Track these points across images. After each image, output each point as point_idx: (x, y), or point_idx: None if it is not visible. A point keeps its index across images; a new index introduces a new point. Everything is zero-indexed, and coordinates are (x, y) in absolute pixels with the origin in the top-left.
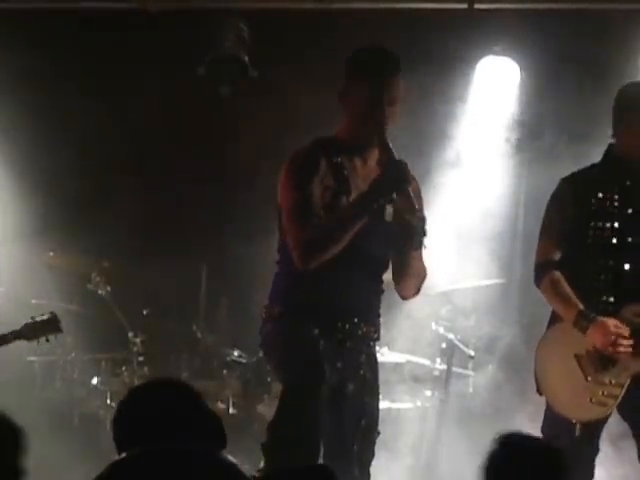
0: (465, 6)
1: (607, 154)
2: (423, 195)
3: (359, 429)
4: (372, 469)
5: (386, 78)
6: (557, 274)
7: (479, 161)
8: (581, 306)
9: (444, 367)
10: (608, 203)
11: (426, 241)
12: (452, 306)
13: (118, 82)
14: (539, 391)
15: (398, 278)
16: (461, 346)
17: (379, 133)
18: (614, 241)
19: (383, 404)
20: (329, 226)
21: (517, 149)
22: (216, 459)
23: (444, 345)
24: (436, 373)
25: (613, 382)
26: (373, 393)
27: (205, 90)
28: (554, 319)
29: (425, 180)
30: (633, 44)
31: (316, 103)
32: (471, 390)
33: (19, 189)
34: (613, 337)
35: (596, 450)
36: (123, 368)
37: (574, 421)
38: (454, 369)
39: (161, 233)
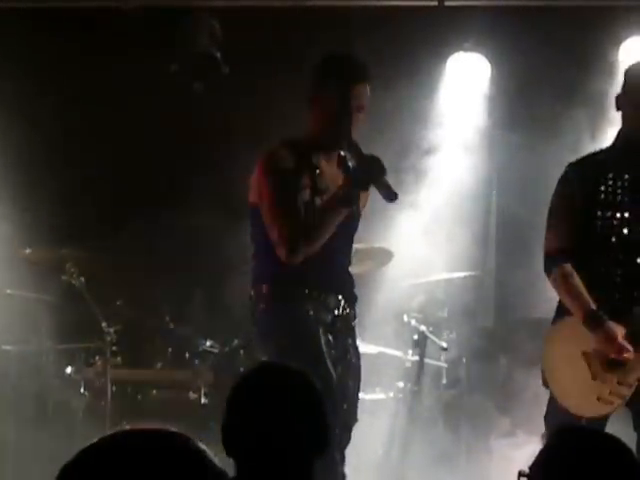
0: (435, 3)
1: (617, 139)
2: (397, 190)
3: (341, 413)
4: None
5: (355, 86)
6: (569, 267)
7: (450, 156)
8: (593, 305)
9: (416, 359)
10: (619, 190)
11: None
12: (424, 298)
13: (88, 79)
14: (545, 384)
15: None
16: (433, 338)
17: (347, 137)
18: (625, 232)
19: None
20: (313, 223)
21: (488, 144)
22: (184, 443)
23: (416, 337)
24: (408, 365)
25: (621, 382)
26: (356, 378)
27: (178, 87)
28: (563, 312)
29: (396, 175)
30: (604, 40)
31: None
32: (444, 382)
33: None
34: (618, 345)
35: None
36: (97, 358)
37: (581, 418)
38: (427, 361)
39: (135, 224)
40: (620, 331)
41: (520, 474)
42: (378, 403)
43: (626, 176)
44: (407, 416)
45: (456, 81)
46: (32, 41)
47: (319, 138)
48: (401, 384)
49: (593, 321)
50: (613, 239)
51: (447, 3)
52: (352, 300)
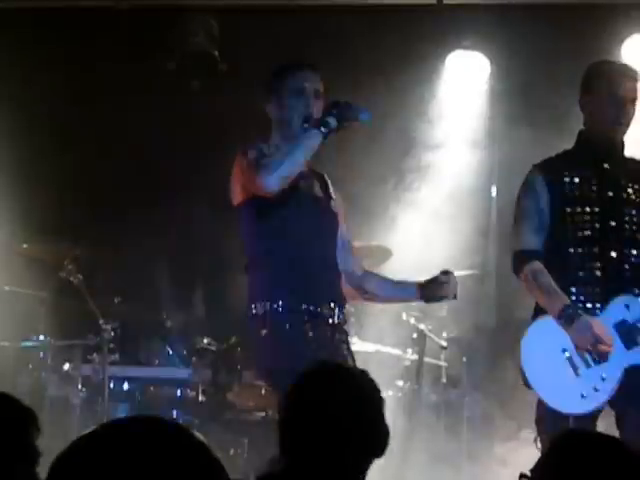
0: (434, 1)
1: (579, 138)
2: (394, 190)
3: None
4: None
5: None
6: (538, 264)
7: (450, 154)
8: (566, 300)
9: (415, 357)
10: (585, 187)
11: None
12: None
13: (85, 77)
14: (526, 385)
15: None
16: (432, 336)
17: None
18: (597, 226)
19: None
20: (284, 149)
21: (488, 141)
22: (185, 433)
23: (415, 335)
24: (407, 363)
25: (605, 377)
26: None
27: (176, 86)
28: (538, 311)
29: (399, 173)
30: (605, 37)
31: None
32: (444, 381)
33: None
34: (593, 338)
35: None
36: (94, 354)
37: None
38: (427, 359)
39: (133, 222)
40: (596, 324)
41: (521, 476)
42: None
43: (590, 173)
44: (406, 415)
45: (455, 79)
46: (28, 40)
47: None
48: (400, 383)
49: (568, 317)
50: (587, 233)
51: (446, 1)
52: (343, 304)
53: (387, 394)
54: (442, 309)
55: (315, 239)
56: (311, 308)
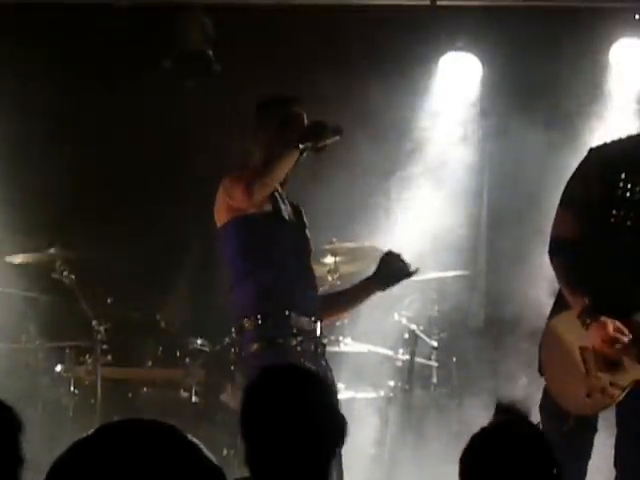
0: (427, 2)
1: None
2: (385, 190)
3: None
4: None
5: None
6: (568, 257)
7: (442, 155)
8: (587, 301)
9: (407, 357)
10: (637, 188)
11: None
12: (415, 297)
13: (79, 76)
14: (540, 372)
15: None
16: (424, 337)
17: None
18: (635, 231)
19: (347, 394)
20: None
21: (480, 143)
22: (180, 436)
23: (406, 336)
24: (399, 364)
25: (613, 383)
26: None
27: (171, 85)
28: (563, 304)
29: (388, 174)
30: (595, 40)
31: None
32: (435, 381)
33: None
34: (611, 339)
35: (594, 430)
36: (87, 356)
37: (569, 412)
38: (417, 360)
39: (125, 222)
40: (612, 324)
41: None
42: (369, 402)
43: None
44: (398, 415)
45: (448, 81)
46: (23, 37)
47: None
48: (392, 383)
49: (587, 317)
50: (627, 238)
51: (439, 3)
52: (322, 319)
53: (379, 394)
54: (434, 309)
55: (296, 257)
56: (297, 323)
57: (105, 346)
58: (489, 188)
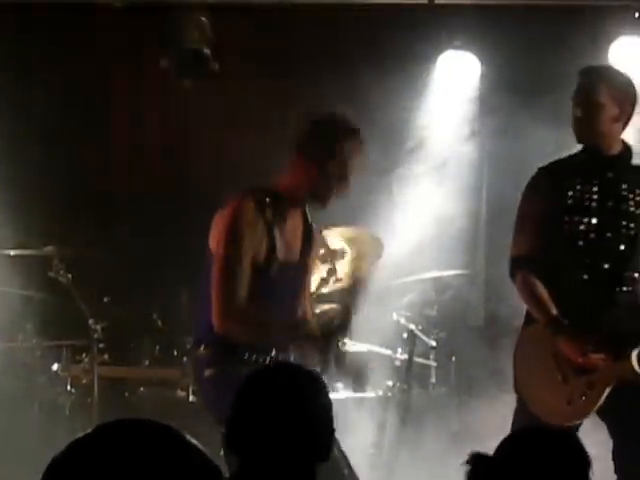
0: (425, 1)
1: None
2: (383, 188)
3: None
4: None
5: (351, 159)
6: (531, 272)
7: (441, 153)
8: (554, 311)
9: (405, 357)
10: (587, 196)
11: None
12: (414, 296)
13: (75, 75)
14: (516, 391)
15: None
16: (422, 336)
17: (325, 202)
18: (592, 236)
19: (344, 394)
20: (253, 321)
21: (478, 142)
22: (177, 436)
23: (405, 335)
24: (397, 363)
25: (592, 386)
26: None
27: (168, 84)
28: (531, 318)
29: (388, 172)
30: (594, 39)
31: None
32: (433, 381)
33: None
34: (581, 349)
35: None
36: (84, 355)
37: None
38: (416, 359)
39: (123, 221)
40: (580, 338)
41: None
42: (367, 401)
43: (595, 181)
44: (396, 415)
45: (446, 79)
46: (18, 36)
47: (295, 192)
48: (390, 383)
49: (554, 328)
50: (580, 243)
51: (437, 1)
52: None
53: (377, 394)
54: (432, 309)
55: (274, 294)
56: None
57: (102, 345)
58: (488, 185)
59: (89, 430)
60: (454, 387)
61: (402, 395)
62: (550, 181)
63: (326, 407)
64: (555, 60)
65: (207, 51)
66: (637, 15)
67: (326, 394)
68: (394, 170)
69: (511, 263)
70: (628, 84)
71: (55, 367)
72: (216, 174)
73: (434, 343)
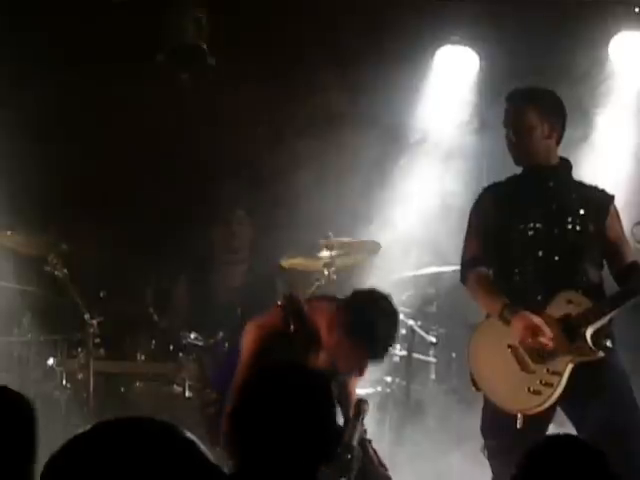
0: None
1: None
2: (383, 185)
3: None
4: None
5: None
6: (482, 270)
7: (439, 148)
8: (506, 300)
9: (405, 353)
10: (531, 205)
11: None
12: (413, 292)
13: (73, 69)
14: (476, 387)
15: None
16: (422, 333)
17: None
18: (541, 237)
19: None
20: None
21: (476, 138)
22: (176, 433)
23: (404, 331)
24: (396, 359)
25: (551, 371)
26: None
27: (165, 78)
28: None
29: (387, 168)
30: (593, 34)
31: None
32: (433, 377)
33: None
34: (534, 326)
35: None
36: (79, 349)
37: (515, 413)
38: (415, 355)
39: (119, 216)
40: (535, 318)
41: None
42: (366, 398)
43: (536, 192)
44: (395, 411)
45: (444, 74)
46: (16, 30)
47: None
48: (389, 379)
49: (508, 313)
50: (530, 242)
51: None
52: None
53: (376, 390)
54: (432, 305)
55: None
56: None
57: (98, 340)
58: (488, 179)
59: (86, 426)
60: (454, 384)
61: (401, 391)
62: (491, 198)
63: (331, 409)
64: (554, 55)
65: (204, 45)
66: (637, 10)
67: (331, 396)
68: (393, 164)
69: (461, 268)
70: (555, 102)
71: (50, 362)
72: (214, 171)
73: (434, 339)
